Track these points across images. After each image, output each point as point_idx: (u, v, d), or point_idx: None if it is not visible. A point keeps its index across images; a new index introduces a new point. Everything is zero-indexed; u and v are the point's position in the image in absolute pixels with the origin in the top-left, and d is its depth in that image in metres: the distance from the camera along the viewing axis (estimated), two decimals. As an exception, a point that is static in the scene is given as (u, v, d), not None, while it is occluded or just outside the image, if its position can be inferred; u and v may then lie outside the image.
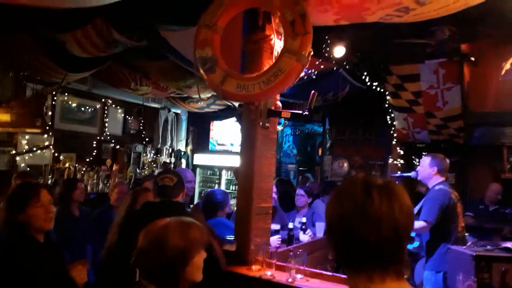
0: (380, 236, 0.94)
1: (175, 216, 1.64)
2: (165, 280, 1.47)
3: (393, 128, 6.66)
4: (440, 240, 3.32)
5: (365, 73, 5.58)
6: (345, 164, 8.24)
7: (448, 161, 3.62)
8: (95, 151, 7.21)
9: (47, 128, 6.10)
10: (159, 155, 8.43)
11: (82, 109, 7.03)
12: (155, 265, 1.47)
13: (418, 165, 5.94)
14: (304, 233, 4.32)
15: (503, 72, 4.57)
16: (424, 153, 6.90)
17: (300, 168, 10.87)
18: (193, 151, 9.42)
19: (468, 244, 3.29)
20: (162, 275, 1.46)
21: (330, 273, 2.48)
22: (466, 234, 3.74)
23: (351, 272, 0.99)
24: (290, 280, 2.36)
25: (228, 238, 3.01)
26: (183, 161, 8.90)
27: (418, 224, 3.43)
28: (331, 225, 1.02)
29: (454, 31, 3.86)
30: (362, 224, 0.94)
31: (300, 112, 2.59)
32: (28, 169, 5.82)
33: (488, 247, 2.90)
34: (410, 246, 3.80)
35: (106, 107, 7.43)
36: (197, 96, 6.25)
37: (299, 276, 2.39)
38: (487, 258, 2.65)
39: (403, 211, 0.97)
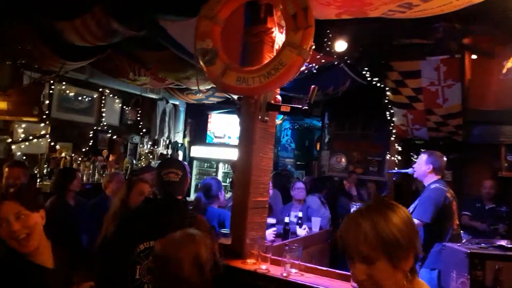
0: None
1: (178, 215, 1.88)
2: (197, 280, 1.64)
3: (392, 124, 6.66)
4: (435, 238, 3.31)
5: (366, 68, 5.55)
6: (343, 159, 8.24)
7: (445, 159, 3.61)
8: (91, 141, 7.17)
9: (44, 117, 6.06)
10: (156, 147, 8.41)
11: (79, 98, 6.98)
12: (191, 271, 1.62)
13: (416, 162, 5.91)
14: (300, 227, 4.33)
15: (504, 70, 4.56)
16: (422, 150, 6.92)
17: (298, 163, 10.88)
18: (191, 143, 9.40)
19: (463, 241, 3.30)
20: (196, 278, 1.63)
21: (324, 268, 2.48)
22: (461, 231, 3.74)
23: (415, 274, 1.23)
24: (284, 274, 2.35)
25: (223, 232, 3.00)
26: (180, 153, 8.88)
27: None
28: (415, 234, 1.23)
29: (457, 28, 3.83)
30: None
31: (300, 106, 2.57)
32: (24, 158, 5.79)
33: (483, 244, 2.91)
34: None
35: (103, 97, 7.38)
36: (196, 87, 6.21)
37: (293, 270, 2.39)
38: (481, 256, 2.65)
39: None
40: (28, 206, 1.71)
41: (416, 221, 3.36)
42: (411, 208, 3.67)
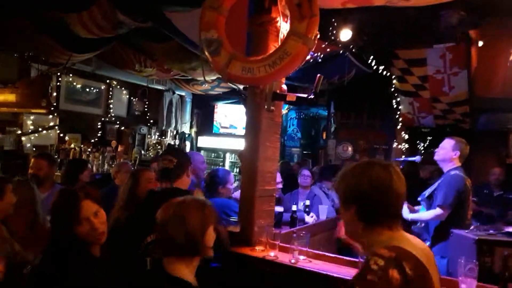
0: (400, 204, 1.41)
1: None
2: (187, 247, 1.64)
3: (398, 113, 6.64)
4: (450, 226, 3.21)
5: (372, 57, 5.53)
6: (349, 148, 8.23)
7: (468, 148, 3.58)
8: (100, 132, 7.24)
9: (52, 108, 6.12)
10: (163, 137, 8.47)
11: (87, 90, 7.03)
12: (178, 235, 1.62)
13: (422, 149, 5.92)
14: (308, 215, 4.36)
15: (511, 57, 4.52)
16: (429, 138, 6.91)
17: (304, 152, 10.89)
18: (197, 134, 9.45)
19: (471, 228, 3.30)
20: (184, 244, 1.63)
21: (332, 255, 2.51)
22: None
23: (375, 225, 1.38)
24: (293, 261, 2.38)
25: (232, 219, 3.04)
26: (188, 143, 8.93)
27: (434, 212, 3.39)
28: (362, 194, 1.38)
29: (463, 15, 3.80)
30: (391, 196, 1.37)
31: (306, 96, 2.58)
32: (34, 149, 5.87)
33: (491, 231, 2.90)
34: (414, 227, 3.79)
35: (110, 88, 7.43)
36: (201, 78, 6.22)
37: (302, 257, 2.42)
38: (490, 242, 2.65)
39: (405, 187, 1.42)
40: (100, 204, 1.83)
41: (438, 210, 3.33)
42: (426, 193, 3.65)
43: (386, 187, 1.37)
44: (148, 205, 2.42)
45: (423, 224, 3.71)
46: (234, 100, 8.81)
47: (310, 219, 4.32)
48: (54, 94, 6.31)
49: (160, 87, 8.28)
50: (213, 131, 9.32)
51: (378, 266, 1.24)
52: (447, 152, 3.53)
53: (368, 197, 1.38)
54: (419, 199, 3.71)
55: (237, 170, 8.24)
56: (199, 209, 1.69)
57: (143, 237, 2.20)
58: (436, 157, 3.64)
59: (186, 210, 1.67)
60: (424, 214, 3.58)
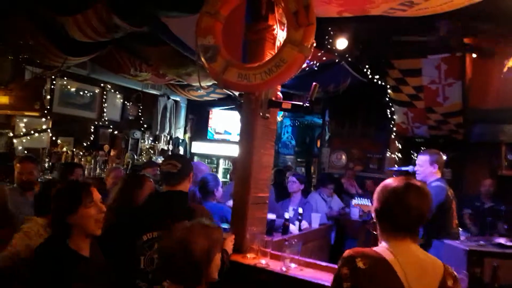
0: (412, 219, 1.57)
1: (177, 207, 1.83)
2: (190, 278, 1.61)
3: (392, 122, 6.66)
4: (434, 236, 3.29)
5: (367, 66, 5.56)
6: (343, 157, 8.24)
7: (444, 156, 3.62)
8: (92, 136, 7.20)
9: (46, 111, 6.08)
10: (157, 142, 8.43)
11: (81, 93, 7.00)
12: (183, 266, 1.59)
13: (416, 159, 5.94)
14: (300, 223, 4.34)
15: (505, 69, 4.56)
16: (422, 148, 6.92)
17: (298, 160, 10.89)
18: (191, 139, 9.42)
19: (461, 239, 3.32)
20: (188, 275, 1.60)
21: (324, 263, 2.50)
22: (460, 229, 3.76)
23: (384, 232, 1.61)
24: (284, 269, 2.37)
25: (223, 227, 3.03)
26: (181, 149, 8.89)
27: None
28: (379, 207, 1.63)
29: (458, 26, 3.84)
30: (399, 214, 1.57)
31: (301, 103, 2.58)
32: (26, 152, 5.82)
33: (481, 242, 2.94)
34: None
35: (105, 92, 7.39)
36: (197, 84, 6.21)
37: (293, 265, 2.41)
38: (480, 253, 2.69)
39: (426, 204, 1.59)
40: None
41: None
42: None
43: (395, 206, 1.56)
44: (148, 205, 2.41)
45: None
46: (229, 107, 8.80)
47: (293, 227, 4.28)
48: (48, 97, 6.27)
49: (154, 92, 8.25)
50: (208, 137, 9.29)
51: (337, 269, 1.53)
52: (426, 169, 3.59)
53: (381, 211, 1.64)
54: None
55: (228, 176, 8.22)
56: (205, 237, 1.64)
57: (140, 236, 2.19)
58: (418, 178, 3.66)
59: (191, 238, 1.61)
60: None
